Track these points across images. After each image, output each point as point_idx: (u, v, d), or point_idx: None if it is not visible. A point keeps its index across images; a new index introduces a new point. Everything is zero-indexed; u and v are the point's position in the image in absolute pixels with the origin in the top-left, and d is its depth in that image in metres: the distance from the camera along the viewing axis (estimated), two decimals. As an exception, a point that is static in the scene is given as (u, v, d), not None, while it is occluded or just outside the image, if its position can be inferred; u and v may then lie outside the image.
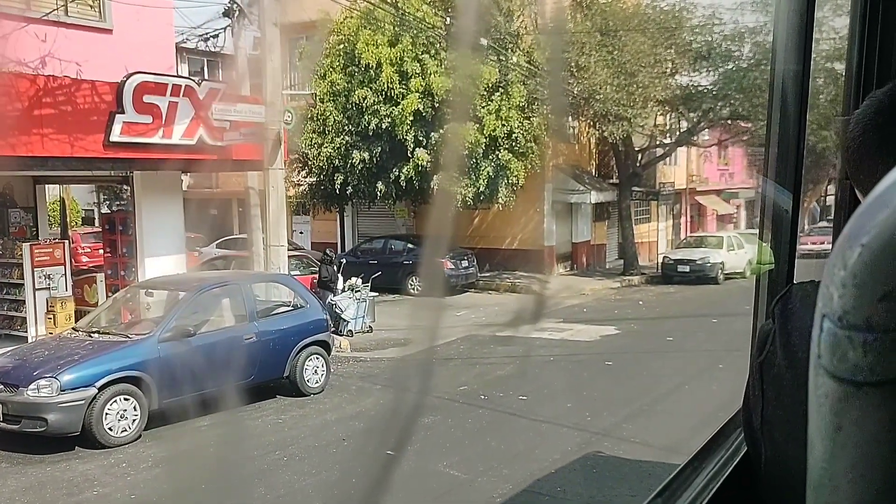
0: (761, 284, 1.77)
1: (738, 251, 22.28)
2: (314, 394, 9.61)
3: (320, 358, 9.91)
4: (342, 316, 13.18)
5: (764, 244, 1.78)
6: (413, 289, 19.00)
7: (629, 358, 11.12)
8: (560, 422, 7.86)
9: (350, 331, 13.36)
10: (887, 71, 1.61)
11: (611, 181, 23.24)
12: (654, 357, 10.93)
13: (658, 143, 22.98)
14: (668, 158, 26.72)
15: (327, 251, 18.45)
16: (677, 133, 23.02)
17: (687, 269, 20.86)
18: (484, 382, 9.73)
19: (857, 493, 0.35)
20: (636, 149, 22.58)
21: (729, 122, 22.75)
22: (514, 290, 19.77)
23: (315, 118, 18.28)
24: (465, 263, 19.24)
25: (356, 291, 13.69)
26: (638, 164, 22.42)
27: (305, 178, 19.95)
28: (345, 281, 14.38)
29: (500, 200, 17.60)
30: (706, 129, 23.15)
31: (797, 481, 0.39)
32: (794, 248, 1.68)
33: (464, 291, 19.48)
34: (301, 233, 25.86)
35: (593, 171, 23.67)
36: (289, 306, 10.18)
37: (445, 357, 11.25)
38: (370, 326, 13.85)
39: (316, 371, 9.81)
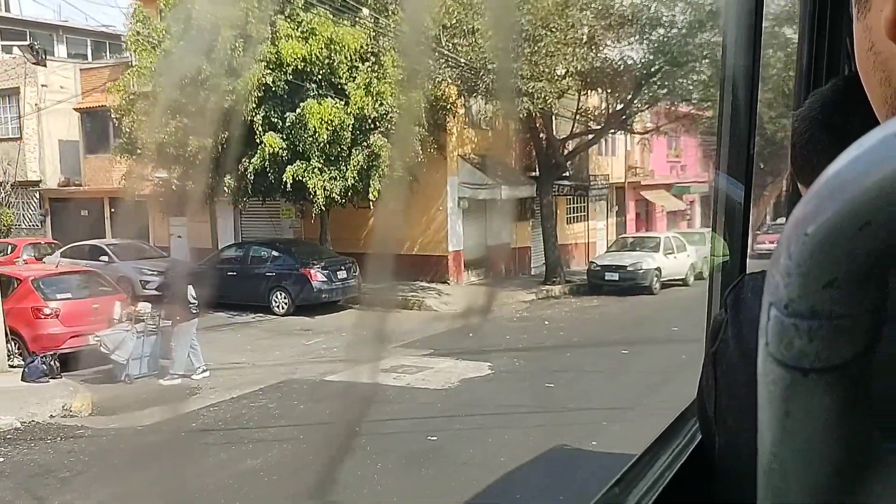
0: (715, 276, 1.82)
1: (679, 254, 19.05)
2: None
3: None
4: (111, 356, 9.63)
5: (717, 236, 1.81)
6: (277, 307, 15.49)
7: (468, 430, 7.63)
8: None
9: (128, 375, 9.80)
10: (836, 67, 1.72)
11: (533, 174, 19.88)
12: (506, 423, 7.51)
13: (587, 128, 19.68)
14: (603, 148, 23.48)
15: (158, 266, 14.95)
16: (617, 118, 19.70)
17: (616, 276, 17.57)
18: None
19: (805, 476, 0.36)
20: (560, 136, 19.27)
21: (668, 104, 19.52)
22: (407, 306, 16.33)
23: (147, 96, 14.67)
24: (342, 274, 15.74)
25: (139, 321, 10.13)
26: (560, 154, 19.06)
27: (154, 172, 16.34)
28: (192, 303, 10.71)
29: (371, 197, 14.10)
30: (642, 113, 19.88)
31: (750, 468, 0.40)
32: (747, 240, 1.73)
33: (343, 308, 16.01)
34: (179, 237, 22.22)
35: (512, 162, 20.29)
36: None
37: (204, 426, 7.73)
38: (168, 369, 10.26)
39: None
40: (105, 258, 17.76)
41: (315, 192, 13.73)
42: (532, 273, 20.83)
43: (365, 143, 13.91)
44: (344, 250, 18.11)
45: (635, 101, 18.06)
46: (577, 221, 23.45)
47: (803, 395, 0.34)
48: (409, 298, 16.49)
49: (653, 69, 17.08)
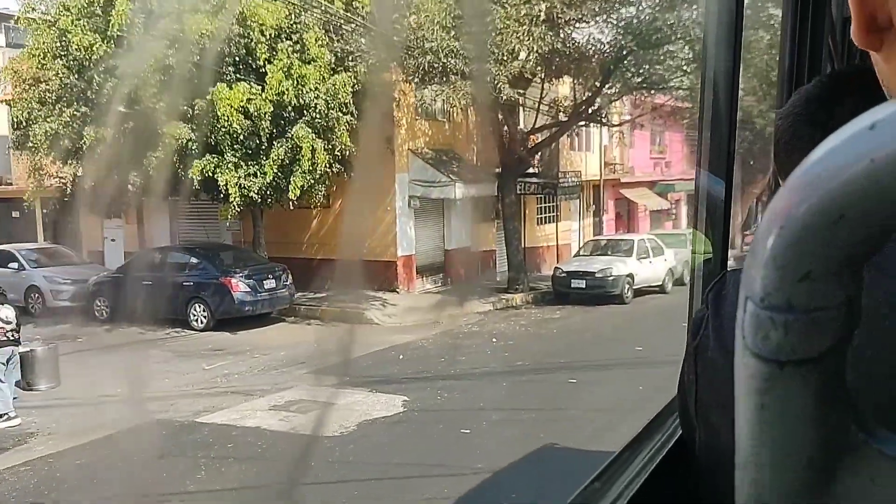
0: (696, 273, 1.85)
1: (655, 258, 17.26)
2: None
3: None
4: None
5: (699, 234, 1.84)
6: (196, 321, 13.66)
7: None
8: None
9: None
10: (818, 66, 1.82)
11: (496, 170, 18.07)
12: (386, 495, 5.69)
13: (556, 120, 17.90)
14: (576, 142, 21.69)
15: None
16: (586, 108, 17.87)
17: (583, 284, 15.77)
18: None
19: (781, 469, 0.36)
20: (525, 128, 17.48)
21: (643, 92, 17.75)
22: (344, 319, 14.53)
23: (40, 81, 12.83)
24: (269, 283, 13.92)
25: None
26: (525, 148, 17.26)
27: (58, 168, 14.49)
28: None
29: (292, 196, 12.27)
30: (615, 104, 18.10)
31: (730, 462, 0.40)
32: (728, 237, 1.75)
33: (276, 321, 14.21)
34: (113, 240, 20.36)
35: (473, 157, 18.47)
36: None
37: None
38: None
39: None
40: (14, 265, 15.93)
41: (228, 190, 11.88)
42: (497, 279, 19.02)
43: (287, 135, 12.06)
44: (283, 256, 16.35)
45: (604, 90, 16.26)
46: (549, 222, 21.63)
47: (780, 388, 0.34)
48: (349, 310, 14.68)
49: (622, 52, 15.28)
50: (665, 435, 1.34)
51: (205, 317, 13.60)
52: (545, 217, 21.41)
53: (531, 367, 10.12)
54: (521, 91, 13.36)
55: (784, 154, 0.90)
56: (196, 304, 13.64)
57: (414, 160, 16.44)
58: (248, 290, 13.54)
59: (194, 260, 14.12)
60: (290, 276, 14.62)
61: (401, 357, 10.94)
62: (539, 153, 18.03)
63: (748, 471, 0.38)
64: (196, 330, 13.55)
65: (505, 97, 13.08)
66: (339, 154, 12.68)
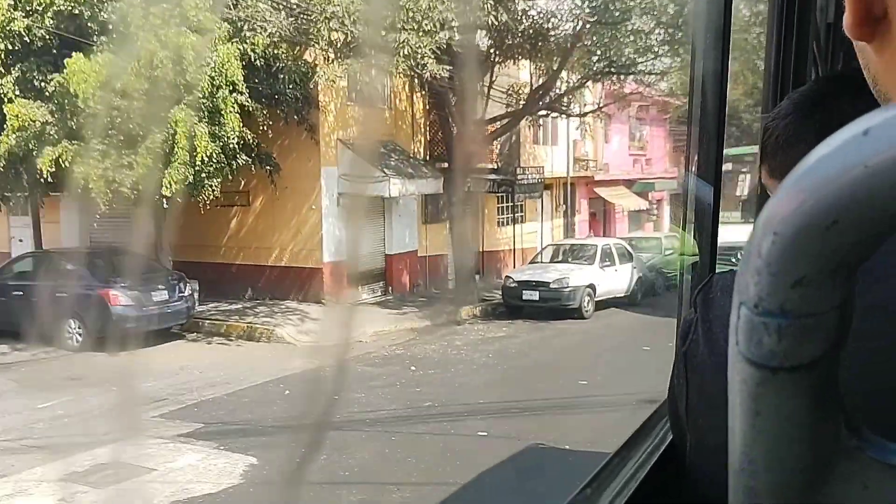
0: (685, 275, 1.85)
1: (622, 266, 15.21)
2: None
3: None
4: None
5: (687, 236, 1.85)
6: (71, 338, 11.53)
7: None
8: None
9: None
10: (803, 70, 1.85)
11: (444, 165, 15.99)
12: None
13: (515, 109, 15.85)
14: (541, 135, 19.60)
15: None
16: (544, 94, 15.76)
17: (536, 295, 13.70)
18: None
19: (775, 475, 0.36)
20: (478, 118, 15.39)
21: (610, 78, 15.68)
22: (252, 337, 12.45)
23: None
24: (159, 295, 11.80)
25: None
26: (477, 140, 15.17)
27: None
28: None
29: (165, 192, 10.16)
30: (579, 91, 16.03)
31: (721, 467, 0.40)
32: (716, 240, 1.73)
33: (170, 339, 12.09)
34: (21, 241, 18.18)
35: (420, 149, 16.36)
36: None
37: None
38: None
39: None
40: None
41: (89, 184, 9.77)
42: (450, 287, 16.92)
43: (164, 119, 9.94)
44: (197, 261, 14.27)
45: (563, 72, 14.19)
46: (512, 223, 19.51)
47: (773, 394, 0.34)
48: (258, 326, 12.57)
49: (581, 29, 13.22)
50: (656, 439, 1.33)
51: (80, 334, 11.49)
52: (507, 218, 19.28)
53: (439, 410, 8.03)
54: (448, 67, 11.24)
55: (779, 156, 0.91)
56: (71, 319, 11.52)
57: (344, 152, 14.33)
58: (131, 303, 11.43)
59: (71, 266, 11.99)
60: (189, 286, 12.51)
61: (287, 392, 8.86)
62: (496, 147, 15.94)
63: (741, 476, 0.38)
64: (71, 350, 11.43)
65: (429, 75, 10.96)
66: (231, 142, 10.54)
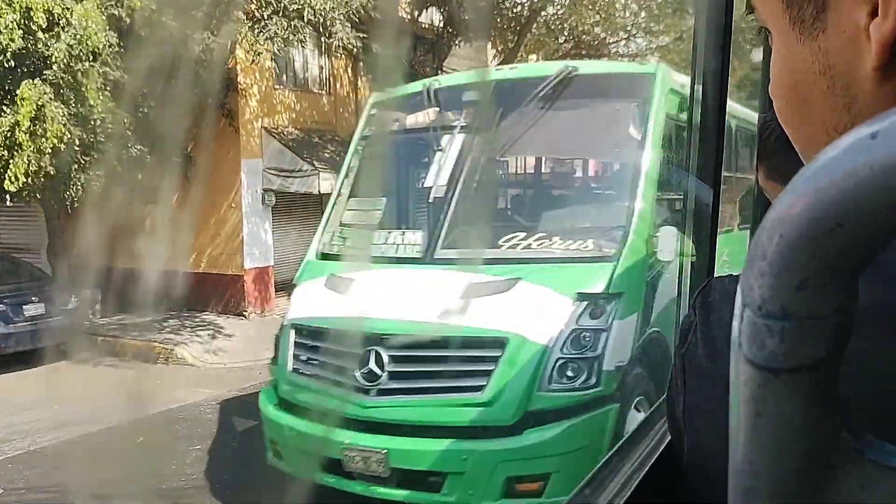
0: (684, 278, 1.86)
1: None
2: None
3: None
4: None
5: (687, 238, 1.84)
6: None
7: None
8: None
9: None
10: None
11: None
12: None
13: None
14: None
15: None
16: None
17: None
18: None
19: (775, 476, 0.36)
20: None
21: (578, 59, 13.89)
22: (149, 358, 10.65)
23: None
24: (35, 309, 9.99)
25: None
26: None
27: None
28: None
29: (9, 186, 8.30)
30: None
31: (719, 468, 0.40)
32: (715, 242, 1.74)
33: (51, 361, 10.22)
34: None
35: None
36: None
37: None
38: None
39: None
40: None
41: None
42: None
43: (14, 96, 8.10)
44: (108, 266, 12.42)
45: (520, 53, 12.42)
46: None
47: (774, 396, 0.34)
48: (155, 345, 10.75)
49: (538, 4, 11.47)
50: (654, 440, 1.33)
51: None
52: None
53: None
54: (364, 35, 9.45)
55: (779, 154, 0.92)
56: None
57: (270, 142, 12.50)
58: (-8, 319, 9.60)
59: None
60: (81, 297, 10.70)
61: (140, 440, 7.03)
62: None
63: (742, 479, 0.38)
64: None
65: (345, 45, 9.17)
66: (99, 127, 8.69)
